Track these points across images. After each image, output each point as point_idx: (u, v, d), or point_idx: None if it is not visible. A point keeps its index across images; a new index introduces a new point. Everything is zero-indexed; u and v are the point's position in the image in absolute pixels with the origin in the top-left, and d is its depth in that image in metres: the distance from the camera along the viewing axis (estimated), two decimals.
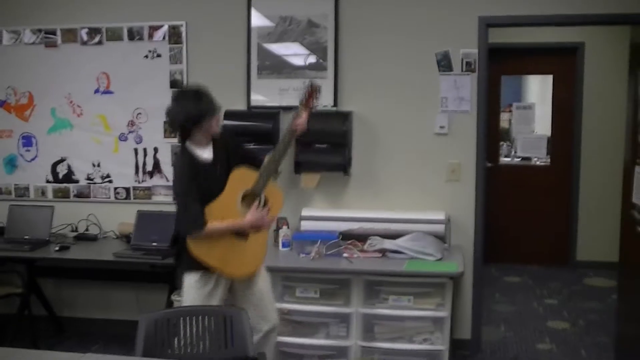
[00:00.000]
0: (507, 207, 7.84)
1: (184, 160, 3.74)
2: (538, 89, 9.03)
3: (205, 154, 3.77)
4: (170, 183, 5.41)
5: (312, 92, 3.93)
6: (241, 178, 3.79)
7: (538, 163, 8.14)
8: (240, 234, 3.77)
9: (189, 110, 3.65)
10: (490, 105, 6.17)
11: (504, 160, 8.28)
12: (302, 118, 3.89)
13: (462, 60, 5.02)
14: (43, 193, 5.79)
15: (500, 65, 7.42)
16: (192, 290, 3.76)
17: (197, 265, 3.71)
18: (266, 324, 3.94)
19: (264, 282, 4.00)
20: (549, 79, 7.97)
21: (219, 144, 3.82)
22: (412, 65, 5.11)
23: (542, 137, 8.10)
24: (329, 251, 4.76)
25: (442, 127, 5.08)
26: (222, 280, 3.80)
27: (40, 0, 5.67)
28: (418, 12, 5.08)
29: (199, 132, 3.71)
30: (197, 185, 3.65)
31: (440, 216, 4.96)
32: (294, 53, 5.29)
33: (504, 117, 8.37)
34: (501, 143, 8.29)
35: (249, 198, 3.81)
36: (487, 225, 5.39)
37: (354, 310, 4.60)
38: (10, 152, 5.82)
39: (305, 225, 5.07)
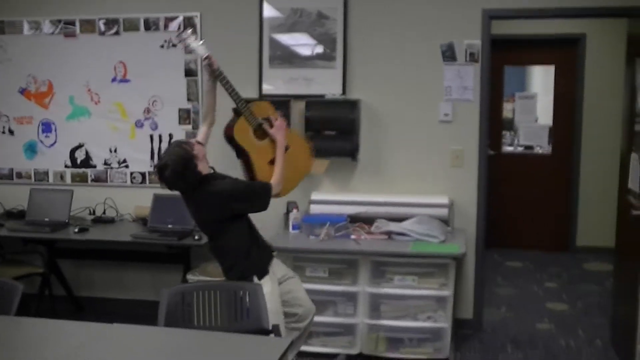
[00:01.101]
0: (510, 195, 8.03)
1: (219, 181, 3.89)
2: (541, 80, 9.17)
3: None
4: None
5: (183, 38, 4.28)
6: (239, 128, 4.09)
7: (540, 152, 8.32)
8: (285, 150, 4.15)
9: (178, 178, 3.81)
10: (494, 95, 6.36)
11: (507, 149, 8.46)
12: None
13: (466, 51, 5.22)
14: (62, 177, 6.01)
15: (504, 55, 7.61)
16: (273, 296, 3.85)
17: (264, 269, 3.94)
18: (299, 309, 4.15)
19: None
20: (551, 69, 8.14)
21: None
22: (418, 55, 5.31)
23: (544, 126, 8.28)
24: (337, 233, 4.97)
25: (446, 114, 5.29)
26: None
27: None
28: (424, 5, 5.27)
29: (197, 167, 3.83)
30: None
31: (444, 200, 5.17)
32: (304, 44, 5.49)
33: (507, 107, 8.53)
34: (504, 132, 8.47)
35: (257, 130, 4.13)
36: (490, 212, 5.59)
37: (361, 289, 4.81)
38: (31, 138, 6.05)
39: (315, 208, 5.29)
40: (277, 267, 4.10)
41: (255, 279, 3.83)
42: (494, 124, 7.46)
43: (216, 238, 3.97)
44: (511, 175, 8.10)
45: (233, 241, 3.91)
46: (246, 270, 3.87)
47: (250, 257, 3.90)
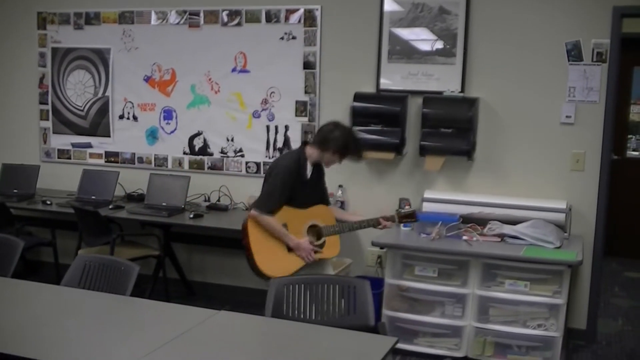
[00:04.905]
0: (632, 202, 7.68)
1: (294, 164, 4.26)
2: None
3: (308, 170, 4.32)
4: None
5: (412, 215, 4.49)
6: (323, 214, 4.36)
7: None
8: (289, 248, 4.29)
9: (348, 143, 4.25)
10: (620, 97, 6.08)
11: (632, 154, 8.09)
12: (391, 225, 4.39)
13: (593, 50, 5.00)
14: (180, 164, 6.19)
15: (634, 56, 7.25)
16: None
17: None
18: None
19: None
20: None
21: (316, 169, 4.39)
22: (541, 54, 5.13)
23: None
24: (449, 233, 4.89)
25: (568, 116, 5.09)
26: None
27: None
28: (550, 1, 5.09)
29: (325, 157, 4.30)
30: (290, 186, 4.22)
31: (562, 205, 4.99)
32: (424, 39, 5.41)
33: (634, 110, 8.16)
34: (630, 136, 8.11)
35: (314, 230, 4.29)
36: (610, 219, 5.35)
37: (470, 291, 4.71)
38: (152, 124, 6.26)
39: (427, 206, 5.21)
40: None
41: None
42: (619, 128, 7.14)
43: None
44: (635, 181, 7.73)
45: None
46: None
47: None
